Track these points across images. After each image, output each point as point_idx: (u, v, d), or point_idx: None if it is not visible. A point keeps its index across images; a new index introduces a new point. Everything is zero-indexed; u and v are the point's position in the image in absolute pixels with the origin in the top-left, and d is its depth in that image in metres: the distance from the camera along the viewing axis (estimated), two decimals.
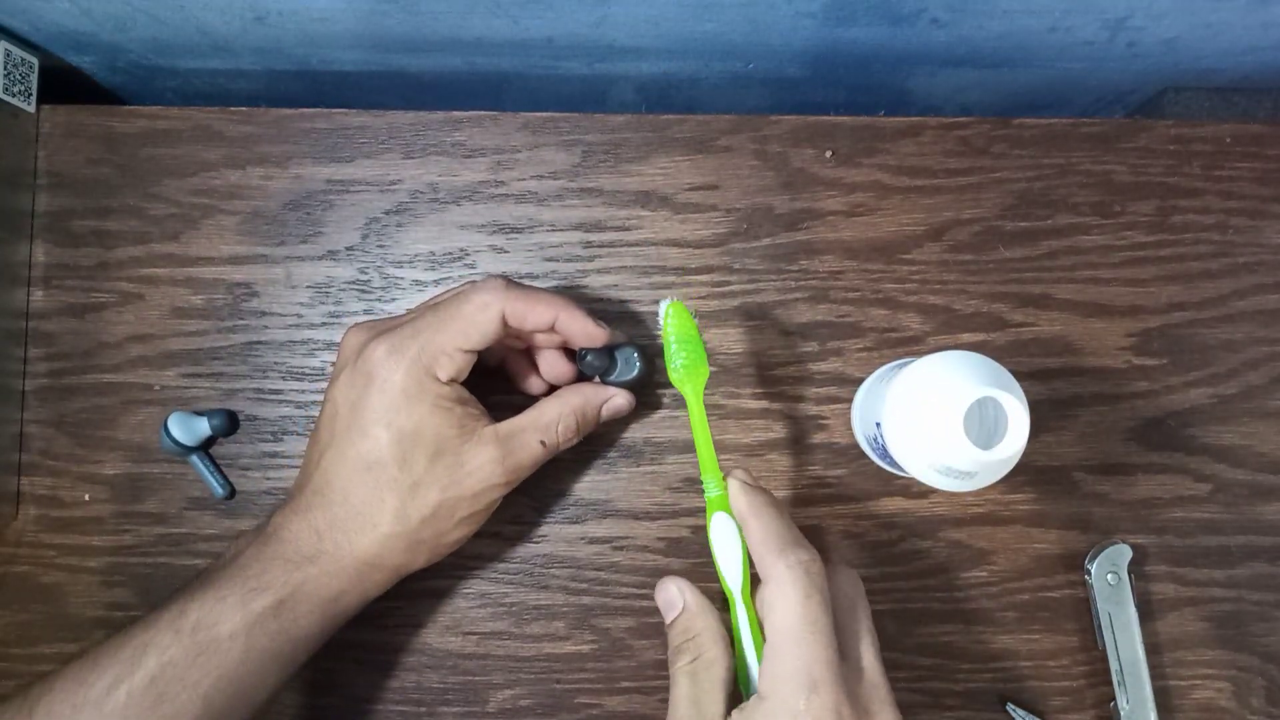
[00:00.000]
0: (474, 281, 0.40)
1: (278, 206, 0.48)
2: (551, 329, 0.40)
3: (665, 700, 0.36)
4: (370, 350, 0.38)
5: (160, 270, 0.48)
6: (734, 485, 0.37)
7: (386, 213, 0.48)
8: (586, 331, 0.40)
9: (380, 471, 0.38)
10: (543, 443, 0.40)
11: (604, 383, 0.44)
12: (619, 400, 0.43)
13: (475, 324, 0.38)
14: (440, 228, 0.48)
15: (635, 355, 0.44)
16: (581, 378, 0.44)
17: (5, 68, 0.46)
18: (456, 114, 0.48)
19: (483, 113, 0.48)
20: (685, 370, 0.39)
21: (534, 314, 0.39)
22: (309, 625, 0.37)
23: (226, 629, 0.35)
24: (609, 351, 0.42)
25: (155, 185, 0.48)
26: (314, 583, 0.37)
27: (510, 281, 0.39)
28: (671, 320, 0.39)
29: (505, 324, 0.39)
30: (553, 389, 0.45)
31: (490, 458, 0.39)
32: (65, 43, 0.50)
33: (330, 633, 0.39)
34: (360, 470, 0.38)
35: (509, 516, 0.46)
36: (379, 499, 0.38)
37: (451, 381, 0.39)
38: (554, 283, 0.48)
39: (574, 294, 0.47)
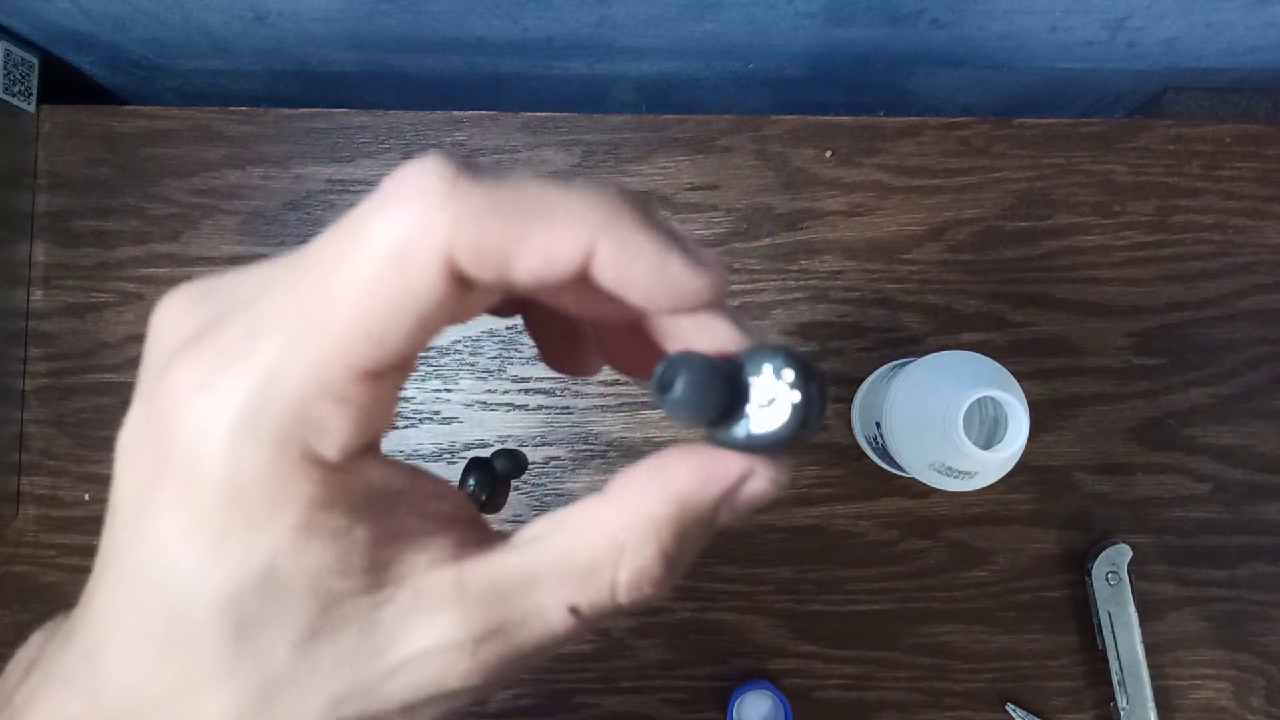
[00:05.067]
0: (390, 177, 0.16)
1: (278, 206, 0.48)
2: (586, 276, 0.16)
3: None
4: (173, 370, 0.16)
5: (160, 270, 0.48)
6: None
7: None
8: (693, 288, 0.16)
9: (192, 655, 0.16)
10: (576, 608, 0.17)
11: (716, 438, 0.17)
12: (758, 484, 0.17)
13: (383, 303, 0.15)
14: None
15: (790, 372, 0.16)
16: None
17: (5, 68, 0.46)
18: (456, 114, 0.48)
19: (483, 113, 0.48)
20: None
21: (536, 242, 0.15)
22: None
23: None
24: (730, 367, 0.17)
25: (155, 185, 0.48)
26: None
27: (465, 167, 0.15)
28: None
29: (463, 277, 0.15)
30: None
31: (442, 640, 0.16)
32: (65, 43, 0.50)
33: None
34: (153, 641, 0.17)
35: (509, 516, 0.46)
36: (189, 707, 0.17)
37: (353, 456, 0.16)
38: None
39: None
